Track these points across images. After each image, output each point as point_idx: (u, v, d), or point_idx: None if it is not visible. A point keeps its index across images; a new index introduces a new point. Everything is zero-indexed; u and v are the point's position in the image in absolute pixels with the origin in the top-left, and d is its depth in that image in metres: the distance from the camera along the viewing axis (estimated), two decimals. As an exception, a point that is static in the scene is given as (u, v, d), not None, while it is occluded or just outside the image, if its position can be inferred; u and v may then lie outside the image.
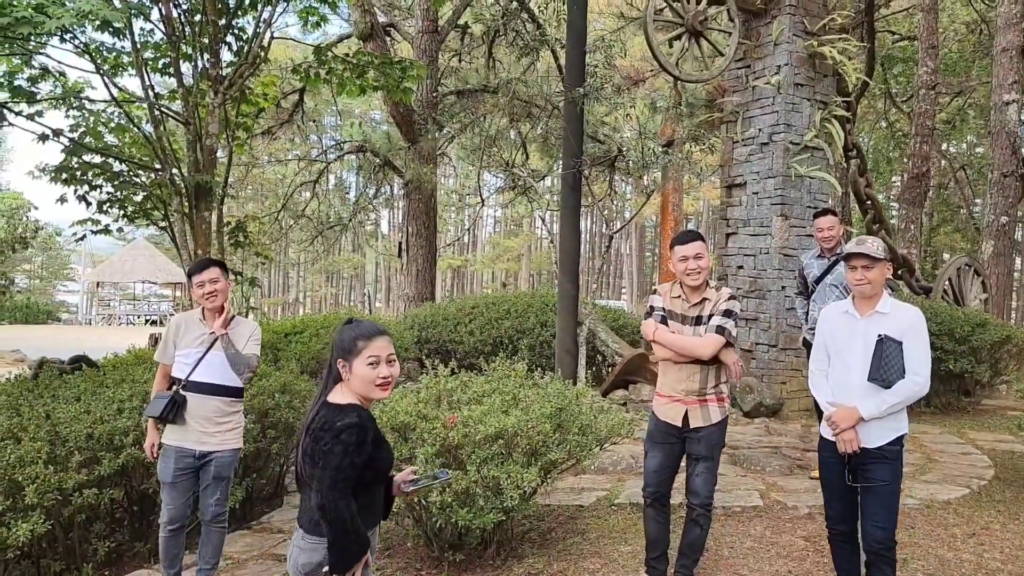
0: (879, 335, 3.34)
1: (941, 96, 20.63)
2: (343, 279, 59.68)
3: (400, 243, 14.51)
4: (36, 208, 28.16)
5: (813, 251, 6.29)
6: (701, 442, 3.91)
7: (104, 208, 7.87)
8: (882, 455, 3.38)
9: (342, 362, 2.50)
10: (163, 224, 8.02)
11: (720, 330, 3.84)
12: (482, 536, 4.41)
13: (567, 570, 4.33)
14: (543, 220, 12.41)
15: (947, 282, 11.64)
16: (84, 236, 8.21)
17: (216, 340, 4.13)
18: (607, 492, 5.73)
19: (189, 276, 4.27)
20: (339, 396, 2.50)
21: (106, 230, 8.15)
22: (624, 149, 12.67)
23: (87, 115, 7.80)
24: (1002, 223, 14.22)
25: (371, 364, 2.48)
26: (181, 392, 4.10)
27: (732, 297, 3.94)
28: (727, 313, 3.87)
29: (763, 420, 7.99)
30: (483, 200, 17.93)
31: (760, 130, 8.67)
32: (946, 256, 27.23)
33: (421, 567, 4.50)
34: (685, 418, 3.93)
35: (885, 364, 3.31)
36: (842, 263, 5.17)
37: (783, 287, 8.53)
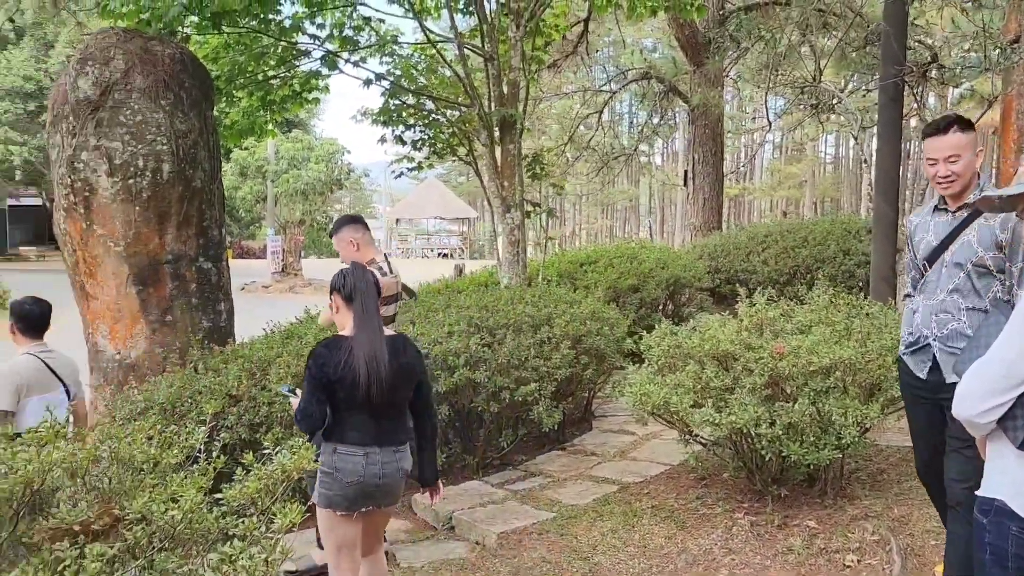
0: None
1: None
2: (617, 211, 59.89)
3: (686, 171, 14.11)
4: (349, 152, 31.10)
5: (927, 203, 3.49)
6: None
7: (417, 146, 8.47)
8: None
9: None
10: (467, 159, 8.45)
11: None
12: (808, 472, 4.19)
13: (910, 515, 3.97)
14: (855, 138, 11.32)
15: None
16: (401, 174, 8.92)
17: None
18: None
19: None
20: None
21: (419, 167, 8.77)
22: (938, 54, 11.15)
23: (398, 60, 8.37)
24: None
25: None
26: None
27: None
28: None
29: None
30: (771, 123, 16.82)
31: None
32: None
33: (743, 499, 4.39)
34: None
35: None
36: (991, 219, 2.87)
37: None
